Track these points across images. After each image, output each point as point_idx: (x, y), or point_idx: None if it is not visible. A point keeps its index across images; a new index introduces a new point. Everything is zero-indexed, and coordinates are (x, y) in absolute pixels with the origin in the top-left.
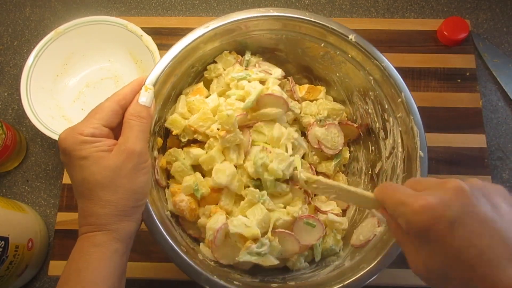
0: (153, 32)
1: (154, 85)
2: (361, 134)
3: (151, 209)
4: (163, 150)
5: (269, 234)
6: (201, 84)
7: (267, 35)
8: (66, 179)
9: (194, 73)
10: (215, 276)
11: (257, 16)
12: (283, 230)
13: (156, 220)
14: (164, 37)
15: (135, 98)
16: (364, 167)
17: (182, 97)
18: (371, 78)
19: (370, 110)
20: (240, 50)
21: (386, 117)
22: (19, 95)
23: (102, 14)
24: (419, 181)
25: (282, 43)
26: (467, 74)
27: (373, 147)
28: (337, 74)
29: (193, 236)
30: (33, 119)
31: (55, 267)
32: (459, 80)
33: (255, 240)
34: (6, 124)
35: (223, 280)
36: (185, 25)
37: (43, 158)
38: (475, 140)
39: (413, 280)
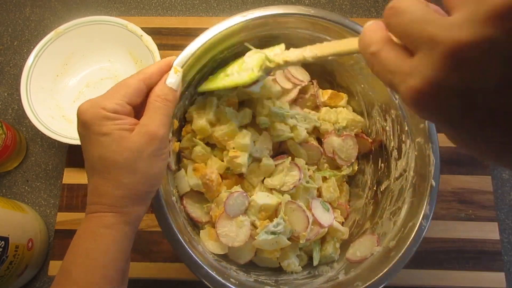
0: (153, 32)
1: (182, 67)
2: (373, 149)
3: (161, 194)
4: (176, 133)
5: (283, 213)
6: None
7: (300, 34)
8: (66, 179)
9: (221, 59)
10: (214, 272)
11: (296, 14)
12: (295, 201)
13: (165, 205)
14: (164, 37)
15: (162, 78)
16: (369, 182)
17: (214, 100)
18: (397, 97)
19: (387, 128)
20: (267, 43)
21: (403, 139)
22: (19, 95)
23: (102, 14)
24: None
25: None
26: None
27: (382, 164)
28: (362, 86)
29: (196, 219)
30: (33, 119)
31: (55, 267)
32: None
33: (271, 219)
34: (6, 124)
35: (221, 277)
36: (185, 25)
37: (43, 158)
38: None
39: (412, 280)
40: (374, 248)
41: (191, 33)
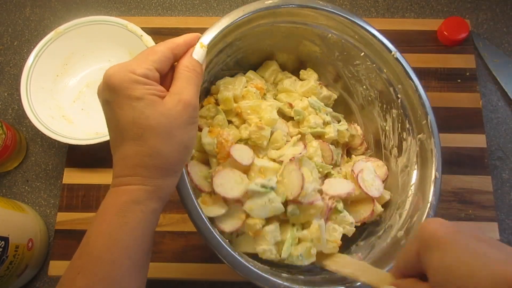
0: (153, 32)
1: (208, 45)
2: (368, 149)
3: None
4: None
5: (278, 174)
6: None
7: (319, 30)
8: (66, 179)
9: (237, 47)
10: (236, 254)
11: (318, 8)
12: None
13: (189, 186)
14: (164, 37)
15: (188, 51)
16: None
17: (243, 79)
18: (400, 96)
19: (387, 127)
20: (286, 38)
21: (404, 136)
22: (19, 95)
23: (102, 14)
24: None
25: (325, 42)
26: (467, 74)
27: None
28: (363, 87)
29: (199, 187)
30: (33, 119)
31: (55, 267)
32: (459, 80)
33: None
34: (6, 124)
35: (244, 260)
36: (185, 25)
37: (43, 158)
38: (475, 140)
39: None
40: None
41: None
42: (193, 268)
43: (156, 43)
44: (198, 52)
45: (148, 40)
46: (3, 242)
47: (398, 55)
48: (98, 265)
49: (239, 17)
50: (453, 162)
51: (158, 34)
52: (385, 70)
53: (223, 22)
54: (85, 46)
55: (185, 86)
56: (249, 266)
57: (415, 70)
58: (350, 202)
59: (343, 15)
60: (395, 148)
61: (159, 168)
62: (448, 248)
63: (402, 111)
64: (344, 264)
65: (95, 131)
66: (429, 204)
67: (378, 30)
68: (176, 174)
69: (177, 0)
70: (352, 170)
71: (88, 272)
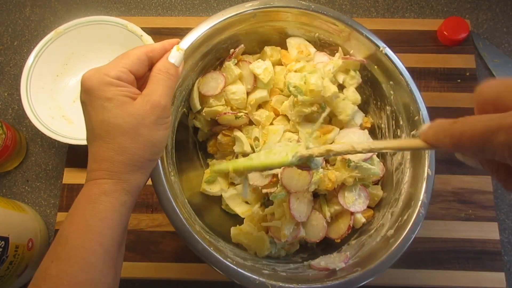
0: (153, 32)
1: (186, 49)
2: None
3: (160, 167)
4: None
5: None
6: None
7: (300, 29)
8: (66, 179)
9: (224, 50)
10: (211, 248)
11: (296, 7)
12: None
13: (166, 185)
14: (164, 37)
15: (164, 55)
16: None
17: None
18: (392, 92)
19: (383, 125)
20: (269, 38)
21: (398, 133)
22: (19, 95)
23: (102, 14)
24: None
25: (313, 41)
26: (467, 74)
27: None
28: (361, 85)
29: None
30: (33, 119)
31: None
32: (459, 80)
33: None
34: (6, 124)
35: (218, 254)
36: (185, 25)
37: (43, 158)
38: None
39: (413, 280)
40: (339, 264)
41: None
42: (193, 268)
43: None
44: (174, 55)
45: (148, 40)
46: (3, 242)
47: (387, 50)
48: (71, 251)
49: (218, 21)
50: (453, 162)
51: (158, 34)
52: (376, 67)
53: (202, 27)
54: (85, 46)
55: (156, 88)
56: (226, 262)
57: (415, 70)
58: (331, 218)
59: (328, 14)
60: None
61: (125, 163)
62: None
63: (395, 107)
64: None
65: None
66: (420, 202)
67: (367, 29)
68: (143, 170)
69: (177, 0)
70: (335, 189)
71: (61, 259)
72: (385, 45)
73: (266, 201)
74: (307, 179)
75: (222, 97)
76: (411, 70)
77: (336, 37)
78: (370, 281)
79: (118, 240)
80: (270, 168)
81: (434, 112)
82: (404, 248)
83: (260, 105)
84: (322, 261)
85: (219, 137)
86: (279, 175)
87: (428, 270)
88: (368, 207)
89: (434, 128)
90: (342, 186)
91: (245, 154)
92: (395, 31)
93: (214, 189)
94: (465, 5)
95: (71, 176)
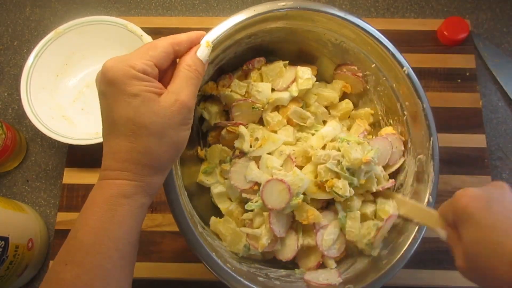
0: (153, 32)
1: (213, 43)
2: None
3: (173, 174)
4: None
5: None
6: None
7: (329, 35)
8: (66, 179)
9: (247, 44)
10: (213, 254)
11: (331, 13)
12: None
13: (176, 186)
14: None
15: (192, 49)
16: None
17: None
18: (406, 113)
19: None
20: (296, 40)
21: (404, 155)
22: (19, 95)
23: (102, 14)
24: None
25: (336, 48)
26: (467, 74)
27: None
28: (375, 102)
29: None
30: (33, 119)
31: None
32: (459, 80)
33: None
34: (6, 124)
35: (220, 259)
36: (185, 25)
37: (43, 158)
38: (475, 140)
39: (412, 280)
40: (337, 279)
41: None
42: (193, 268)
43: None
44: (203, 51)
45: (148, 40)
46: (3, 242)
47: (409, 71)
48: (86, 256)
49: (248, 17)
50: (453, 162)
51: (158, 34)
52: (394, 85)
53: (231, 21)
54: (85, 46)
55: (184, 86)
56: (224, 266)
57: (415, 70)
58: (305, 250)
59: (359, 24)
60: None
61: (149, 166)
62: (478, 225)
63: (406, 128)
64: (398, 203)
65: (95, 131)
66: (416, 227)
67: (393, 44)
68: (164, 172)
69: (177, 0)
70: (314, 225)
71: (76, 264)
72: (408, 66)
73: (245, 203)
74: (286, 198)
75: (244, 88)
76: None
77: (360, 49)
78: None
79: (134, 243)
80: None
81: (434, 112)
82: (396, 271)
83: (278, 107)
84: (320, 277)
85: (223, 132)
86: (261, 186)
87: (428, 270)
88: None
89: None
90: (324, 226)
91: (242, 152)
92: (395, 31)
93: (210, 180)
94: (465, 5)
95: (71, 176)
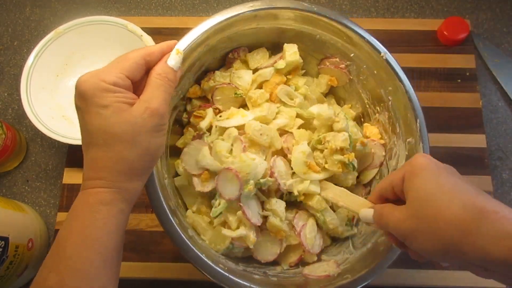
0: (153, 32)
1: (184, 51)
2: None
3: (155, 175)
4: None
5: None
6: None
7: (304, 30)
8: (66, 179)
9: (224, 49)
10: (203, 255)
11: (298, 9)
12: None
13: (158, 187)
14: (164, 37)
15: (163, 58)
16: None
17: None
18: (390, 98)
19: (380, 130)
20: (272, 39)
21: (395, 140)
22: (19, 95)
23: (102, 14)
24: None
25: (314, 43)
26: (467, 74)
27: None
28: (360, 90)
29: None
30: (33, 119)
31: None
32: (459, 80)
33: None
34: (6, 124)
35: (210, 261)
36: (185, 25)
37: (43, 158)
38: (475, 140)
39: (412, 280)
40: (336, 270)
41: None
42: (193, 268)
43: (156, 43)
44: (173, 59)
45: (148, 40)
46: (3, 242)
47: (388, 56)
48: (69, 261)
49: (218, 22)
50: (453, 162)
51: (158, 34)
52: (375, 72)
53: (201, 28)
54: (85, 46)
55: (155, 93)
56: (217, 268)
57: (415, 70)
58: (285, 247)
59: (330, 16)
60: (387, 151)
61: (123, 173)
62: (431, 177)
63: (392, 113)
64: (326, 188)
65: None
66: None
67: (367, 31)
68: (141, 178)
69: (177, 0)
70: (293, 227)
71: (59, 270)
72: (386, 51)
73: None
74: (237, 185)
75: (227, 78)
76: (411, 70)
77: (337, 40)
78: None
79: (117, 247)
80: None
81: (434, 112)
82: (395, 256)
83: (261, 85)
84: (318, 270)
85: (191, 119)
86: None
87: (428, 270)
88: None
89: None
90: (303, 226)
91: (199, 134)
92: (395, 31)
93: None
94: (465, 5)
95: (71, 176)
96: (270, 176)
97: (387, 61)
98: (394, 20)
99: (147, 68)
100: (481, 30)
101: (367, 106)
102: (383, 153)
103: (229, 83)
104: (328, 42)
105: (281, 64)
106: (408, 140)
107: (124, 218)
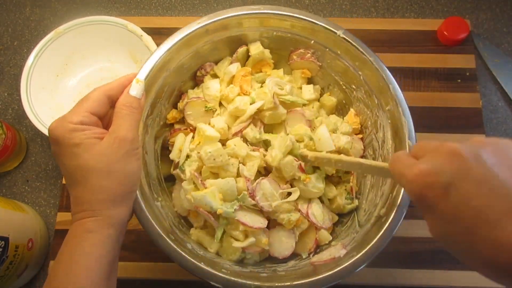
0: (153, 32)
1: (145, 79)
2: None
3: (140, 199)
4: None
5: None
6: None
7: (258, 33)
8: None
9: (187, 71)
10: (202, 263)
11: (247, 14)
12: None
13: (144, 207)
14: (164, 37)
15: (125, 90)
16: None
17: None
18: (360, 73)
19: (361, 106)
20: (233, 48)
21: (376, 112)
22: (19, 95)
23: (102, 14)
24: (420, 147)
25: (274, 41)
26: (467, 74)
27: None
28: (333, 74)
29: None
30: (33, 119)
31: None
32: (459, 80)
33: None
34: (6, 124)
35: (210, 267)
36: (185, 25)
37: (43, 158)
38: None
39: (412, 280)
40: (341, 251)
41: None
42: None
43: (156, 43)
44: (135, 88)
45: (148, 40)
46: (3, 242)
47: (345, 33)
48: (62, 284)
49: (169, 46)
50: None
51: (158, 34)
52: (339, 52)
53: (156, 55)
54: (85, 46)
55: (121, 123)
56: (220, 274)
57: (415, 70)
58: (299, 234)
59: (276, 12)
60: (373, 125)
61: (104, 201)
62: (468, 176)
63: (367, 87)
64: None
65: None
66: None
67: (322, 19)
68: (124, 203)
69: (177, 0)
70: (299, 210)
71: None
72: (341, 28)
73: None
74: (233, 187)
75: (200, 94)
76: (411, 70)
77: (293, 31)
78: (370, 281)
79: (106, 272)
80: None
81: (434, 112)
82: (398, 225)
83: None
84: (323, 256)
85: (169, 147)
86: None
87: (428, 270)
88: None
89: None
90: (309, 206)
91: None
92: (395, 31)
93: None
94: (465, 5)
95: None
96: (252, 198)
97: (345, 39)
98: (394, 20)
99: (111, 103)
100: (481, 30)
101: (344, 87)
102: (362, 147)
103: (198, 97)
104: (286, 36)
105: (241, 50)
106: (387, 108)
107: (112, 243)
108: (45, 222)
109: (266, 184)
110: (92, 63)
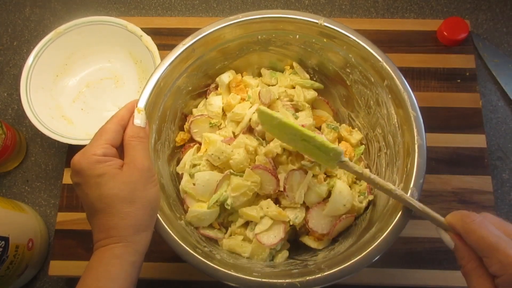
0: (153, 32)
1: (145, 107)
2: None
3: (161, 219)
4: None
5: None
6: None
7: (244, 44)
8: (66, 179)
9: (185, 91)
10: (232, 270)
11: (229, 25)
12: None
13: (167, 227)
14: (164, 37)
15: (130, 120)
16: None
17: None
18: (351, 55)
19: (361, 87)
20: (228, 57)
21: (376, 90)
22: (19, 95)
23: (102, 14)
24: (506, 225)
25: (260, 44)
26: (467, 74)
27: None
28: (330, 68)
29: (208, 235)
30: (33, 119)
31: (55, 267)
32: (459, 80)
33: None
34: (6, 124)
35: (242, 273)
36: (185, 25)
37: (43, 158)
38: (475, 140)
39: (412, 280)
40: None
41: (191, 33)
42: (193, 268)
43: (155, 44)
44: (138, 118)
45: (148, 40)
46: (3, 242)
47: (327, 21)
48: None
49: (162, 71)
50: (453, 162)
51: (158, 34)
52: (325, 40)
53: (152, 81)
54: (85, 46)
55: (134, 154)
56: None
57: (415, 70)
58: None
59: (252, 18)
60: (375, 105)
61: (130, 226)
62: None
63: (360, 67)
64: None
65: (95, 131)
66: (416, 140)
67: (301, 13)
68: (148, 228)
69: (177, 0)
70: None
71: None
72: (321, 18)
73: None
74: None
75: (204, 109)
76: (411, 70)
77: (274, 31)
78: (370, 281)
79: None
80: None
81: (434, 112)
82: (417, 199)
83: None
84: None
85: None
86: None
87: (428, 270)
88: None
89: (456, 215)
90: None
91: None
92: (395, 31)
93: None
94: (465, 5)
95: None
96: (283, 190)
97: (326, 26)
98: (394, 20)
99: (124, 130)
100: (481, 30)
101: (340, 73)
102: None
103: (201, 115)
104: (272, 38)
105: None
106: (385, 83)
107: (136, 270)
108: (45, 222)
109: (296, 175)
110: (91, 63)
